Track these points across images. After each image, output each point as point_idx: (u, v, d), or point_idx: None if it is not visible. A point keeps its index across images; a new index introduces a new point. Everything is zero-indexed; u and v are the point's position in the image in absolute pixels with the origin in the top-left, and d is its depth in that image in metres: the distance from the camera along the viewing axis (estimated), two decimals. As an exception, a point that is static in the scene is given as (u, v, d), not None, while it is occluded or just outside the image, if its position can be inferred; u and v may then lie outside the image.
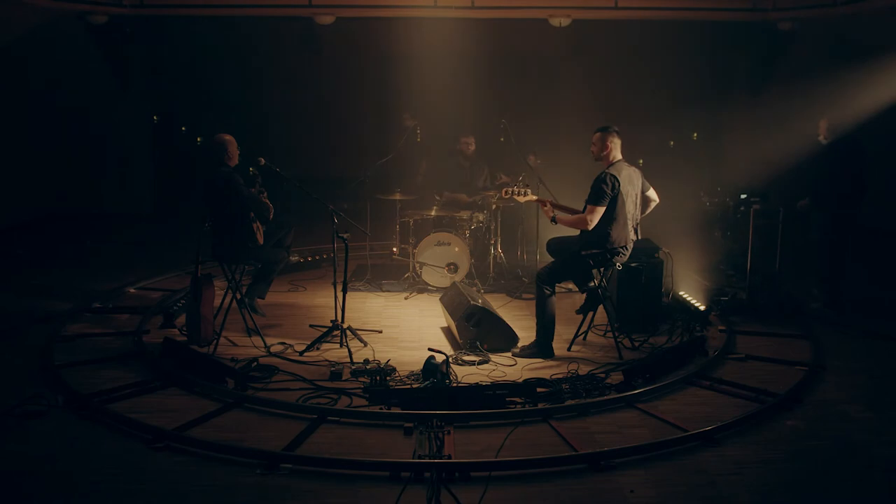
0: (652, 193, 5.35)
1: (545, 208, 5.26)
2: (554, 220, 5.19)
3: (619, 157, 5.18)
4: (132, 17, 8.59)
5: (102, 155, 10.01)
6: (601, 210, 5.02)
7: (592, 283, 5.38)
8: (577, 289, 5.67)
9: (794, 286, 6.44)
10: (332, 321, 5.46)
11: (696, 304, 6.01)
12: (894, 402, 4.52)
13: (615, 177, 5.04)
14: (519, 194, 5.35)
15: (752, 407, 4.33)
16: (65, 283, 7.00)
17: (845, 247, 6.30)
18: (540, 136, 9.36)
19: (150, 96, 10.09)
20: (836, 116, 6.31)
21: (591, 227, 5.05)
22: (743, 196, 6.87)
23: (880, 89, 7.67)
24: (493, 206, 7.07)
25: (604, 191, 5.01)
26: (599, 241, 5.10)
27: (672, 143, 8.46)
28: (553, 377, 4.75)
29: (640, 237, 5.32)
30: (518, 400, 4.38)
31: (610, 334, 5.40)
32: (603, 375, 4.81)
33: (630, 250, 5.23)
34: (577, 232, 5.26)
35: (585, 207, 5.08)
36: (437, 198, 7.33)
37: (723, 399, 4.51)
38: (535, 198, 5.40)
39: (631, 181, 5.13)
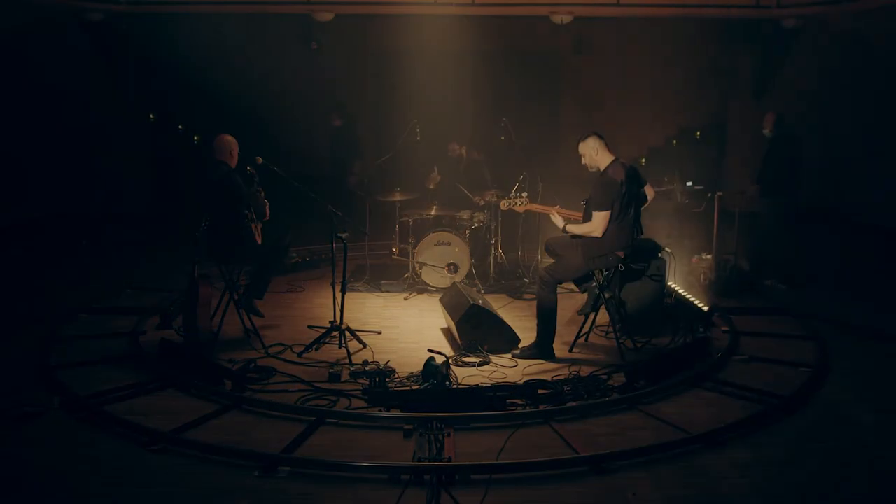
0: (647, 190, 5.33)
1: (555, 219, 5.22)
2: (564, 229, 5.15)
3: (612, 156, 5.13)
4: (128, 14, 8.53)
5: (99, 154, 9.95)
6: (608, 215, 4.98)
7: (594, 284, 5.34)
8: (578, 289, 5.63)
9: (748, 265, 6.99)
10: (330, 322, 5.42)
11: (700, 305, 5.97)
12: (900, 404, 4.49)
13: (615, 179, 5.00)
14: (518, 204, 5.30)
15: (756, 409, 4.29)
16: (61, 284, 6.96)
17: (791, 229, 6.97)
18: (541, 134, 9.32)
19: (147, 95, 10.03)
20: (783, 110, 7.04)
21: (602, 234, 5.01)
22: (689, 184, 7.35)
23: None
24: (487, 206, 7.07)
25: (608, 194, 4.97)
26: (604, 243, 5.06)
27: (675, 141, 8.43)
28: (554, 379, 4.71)
29: (642, 234, 5.28)
30: (519, 402, 4.34)
31: (612, 335, 5.35)
32: (605, 377, 4.77)
33: (632, 249, 5.20)
34: None
35: (592, 214, 5.04)
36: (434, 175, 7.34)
37: (726, 401, 4.47)
38: (537, 207, 5.34)
39: (630, 179, 5.10)
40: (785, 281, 6.90)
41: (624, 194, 4.99)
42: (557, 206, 5.36)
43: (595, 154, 5.11)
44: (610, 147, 5.14)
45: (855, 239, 8.29)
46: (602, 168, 5.10)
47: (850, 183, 8.91)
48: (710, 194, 7.02)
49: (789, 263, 6.95)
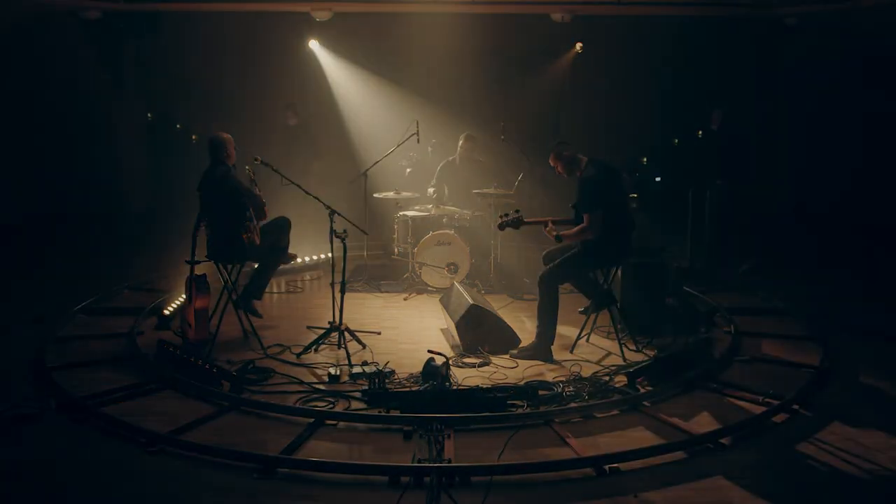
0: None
1: (547, 229, 5.20)
2: (559, 237, 5.13)
3: (583, 158, 5.18)
4: (126, 12, 8.50)
5: (96, 153, 9.92)
6: (600, 214, 4.98)
7: (598, 284, 5.31)
8: (578, 291, 5.60)
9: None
10: (329, 322, 5.38)
11: (702, 305, 5.94)
12: (903, 405, 4.46)
13: (597, 177, 5.01)
14: (514, 223, 5.31)
15: (759, 410, 4.26)
16: (58, 284, 6.92)
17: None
18: (541, 133, 9.28)
19: (144, 93, 10.00)
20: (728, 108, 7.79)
21: (596, 234, 5.01)
22: (658, 179, 8.01)
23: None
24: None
25: (594, 194, 4.99)
26: (602, 243, 5.03)
27: (676, 140, 8.42)
28: (555, 379, 4.68)
29: (635, 229, 5.28)
30: (519, 403, 4.31)
31: (613, 336, 5.32)
32: (606, 378, 4.73)
33: (632, 248, 5.17)
34: None
35: (584, 217, 5.03)
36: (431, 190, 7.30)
37: (729, 402, 4.44)
38: (533, 221, 5.33)
39: (611, 175, 5.11)
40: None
41: (608, 191, 4.99)
42: (550, 219, 5.29)
43: (567, 162, 5.18)
44: (578, 151, 5.20)
45: (855, 239, 8.27)
46: (579, 172, 5.13)
47: (849, 182, 8.89)
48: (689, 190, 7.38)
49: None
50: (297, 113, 8.66)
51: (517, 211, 5.39)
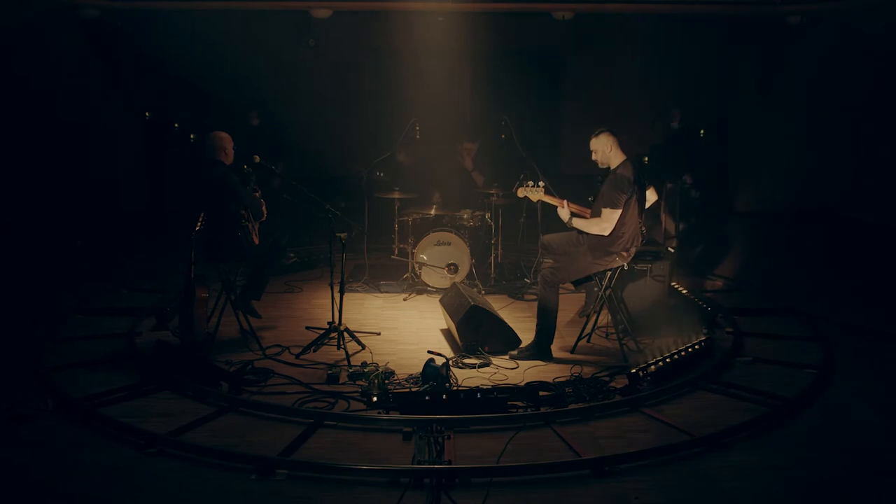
0: (651, 192, 5.31)
1: (562, 210, 5.17)
2: (570, 224, 5.09)
3: (623, 155, 5.10)
4: (123, 11, 8.47)
5: (93, 152, 9.89)
6: (618, 213, 4.94)
7: (595, 285, 5.29)
8: (576, 289, 5.58)
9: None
10: (328, 323, 5.36)
11: (704, 305, 5.92)
12: (906, 406, 4.44)
13: (627, 177, 4.95)
14: (534, 193, 5.28)
15: (761, 411, 4.24)
16: (55, 284, 6.89)
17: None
18: (542, 132, 9.26)
19: (143, 92, 9.97)
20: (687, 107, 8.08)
21: (608, 233, 4.97)
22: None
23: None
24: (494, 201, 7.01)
25: (620, 193, 4.93)
26: (610, 242, 5.00)
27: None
28: (556, 380, 4.66)
29: (645, 236, 5.24)
30: (520, 404, 4.29)
31: (614, 336, 5.29)
32: (607, 379, 4.72)
33: (637, 249, 5.15)
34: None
35: (601, 211, 4.99)
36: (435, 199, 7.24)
37: (730, 403, 4.42)
38: (549, 198, 5.32)
39: (639, 179, 5.07)
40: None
41: (633, 194, 4.95)
42: (567, 200, 5.29)
43: (608, 151, 5.07)
44: (622, 145, 5.11)
45: (859, 239, 8.26)
46: (613, 166, 5.06)
47: (852, 182, 8.89)
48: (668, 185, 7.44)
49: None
50: (260, 113, 8.56)
51: (541, 183, 5.39)
